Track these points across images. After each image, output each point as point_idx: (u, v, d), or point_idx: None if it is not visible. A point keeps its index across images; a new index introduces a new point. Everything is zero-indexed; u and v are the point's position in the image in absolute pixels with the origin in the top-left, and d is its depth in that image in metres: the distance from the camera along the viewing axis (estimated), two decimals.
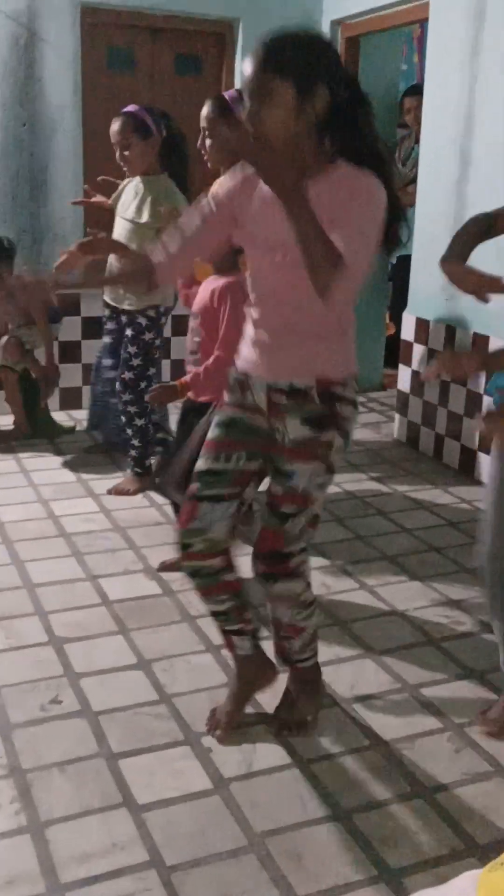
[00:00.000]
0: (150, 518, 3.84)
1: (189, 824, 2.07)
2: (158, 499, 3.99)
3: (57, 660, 2.75)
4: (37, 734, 2.39)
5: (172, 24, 5.22)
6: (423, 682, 2.69)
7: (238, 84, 5.26)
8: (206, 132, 3.25)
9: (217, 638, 2.87)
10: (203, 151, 3.27)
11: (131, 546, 3.59)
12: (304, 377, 2.14)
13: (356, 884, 1.91)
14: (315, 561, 3.39)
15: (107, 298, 4.08)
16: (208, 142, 3.24)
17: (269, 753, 2.34)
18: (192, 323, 3.03)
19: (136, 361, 3.95)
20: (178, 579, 3.27)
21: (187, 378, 3.02)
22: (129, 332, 3.96)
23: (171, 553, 3.45)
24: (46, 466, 4.47)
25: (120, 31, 5.18)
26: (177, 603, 3.13)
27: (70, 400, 5.37)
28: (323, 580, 3.31)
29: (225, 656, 2.77)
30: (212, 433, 2.30)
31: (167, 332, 4.94)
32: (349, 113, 2.02)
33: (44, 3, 4.87)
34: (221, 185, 2.25)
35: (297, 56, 1.94)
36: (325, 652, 2.77)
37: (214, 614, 2.37)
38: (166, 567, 3.36)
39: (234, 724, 2.43)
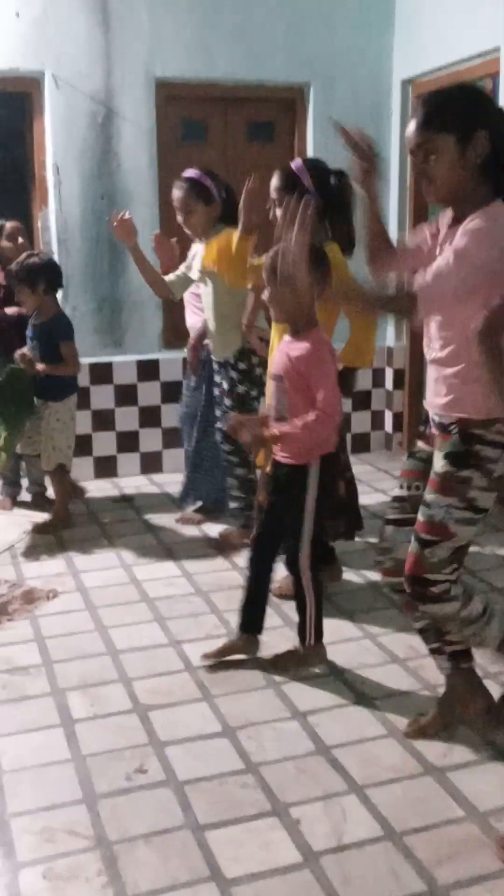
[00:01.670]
0: (232, 581, 3.83)
1: None
2: (240, 562, 3.98)
3: (141, 727, 2.75)
4: (122, 804, 2.38)
5: (244, 93, 5.37)
6: None
7: (310, 149, 5.38)
8: (276, 203, 3.33)
9: (303, 704, 2.84)
10: (273, 220, 3.33)
11: (213, 610, 3.58)
12: (447, 414, 2.32)
13: None
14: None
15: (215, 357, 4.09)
16: (278, 212, 3.31)
17: (360, 823, 2.28)
18: (274, 387, 3.00)
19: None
20: (264, 643, 3.23)
21: (286, 428, 2.87)
22: (223, 383, 4.02)
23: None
24: (129, 531, 4.52)
25: (193, 102, 5.35)
26: (260, 668, 3.10)
27: (105, 468, 5.39)
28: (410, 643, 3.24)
29: (312, 723, 2.74)
30: (404, 463, 2.55)
31: None
32: None
33: (120, 80, 5.07)
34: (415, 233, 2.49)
35: (455, 108, 2.19)
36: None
37: (417, 630, 2.64)
38: (211, 655, 3.15)
39: (431, 730, 2.63)
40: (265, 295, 2.89)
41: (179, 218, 3.98)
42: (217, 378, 4.09)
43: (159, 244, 4.39)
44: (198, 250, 4.05)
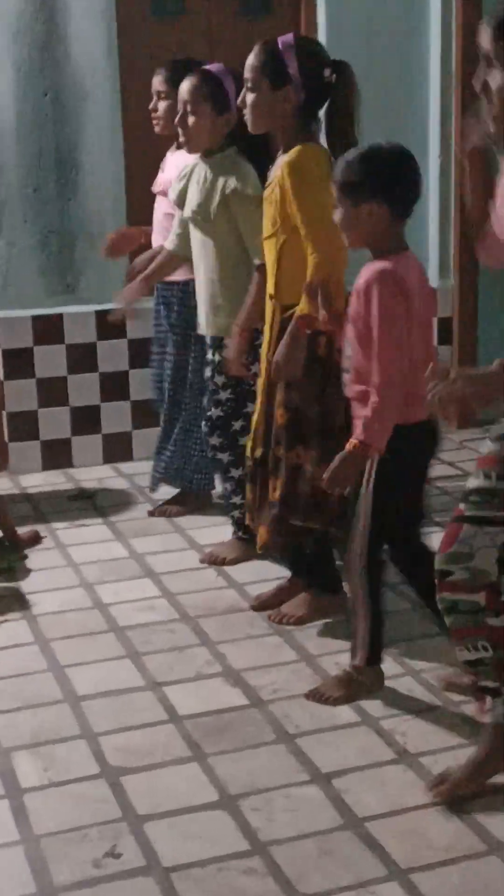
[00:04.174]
0: (228, 603, 3.84)
1: None
2: (238, 577, 3.99)
3: (112, 798, 2.75)
4: None
5: None
6: None
7: (322, 31, 5.34)
8: (249, 86, 3.35)
9: (326, 763, 2.85)
10: (244, 111, 3.39)
11: (204, 642, 3.59)
12: None
13: None
14: None
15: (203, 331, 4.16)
16: (250, 98, 3.36)
17: None
18: (347, 334, 3.06)
19: (225, 395, 4.00)
20: (270, 684, 3.26)
21: (357, 434, 2.96)
22: (215, 357, 4.03)
23: (257, 650, 3.45)
24: (90, 538, 4.53)
25: None
26: (269, 717, 3.11)
27: (57, 456, 5.42)
28: None
29: (338, 789, 2.75)
30: (485, 447, 2.60)
31: None
32: None
33: None
34: None
35: None
36: None
37: (466, 664, 2.65)
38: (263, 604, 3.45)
39: (460, 793, 2.64)
40: (336, 216, 2.98)
41: (179, 115, 3.96)
42: (208, 354, 4.09)
43: (119, 243, 4.56)
44: (191, 181, 4.02)
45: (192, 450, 4.55)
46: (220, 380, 4.02)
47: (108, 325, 5.12)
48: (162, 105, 4.39)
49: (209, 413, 4.08)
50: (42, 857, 2.53)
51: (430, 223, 5.68)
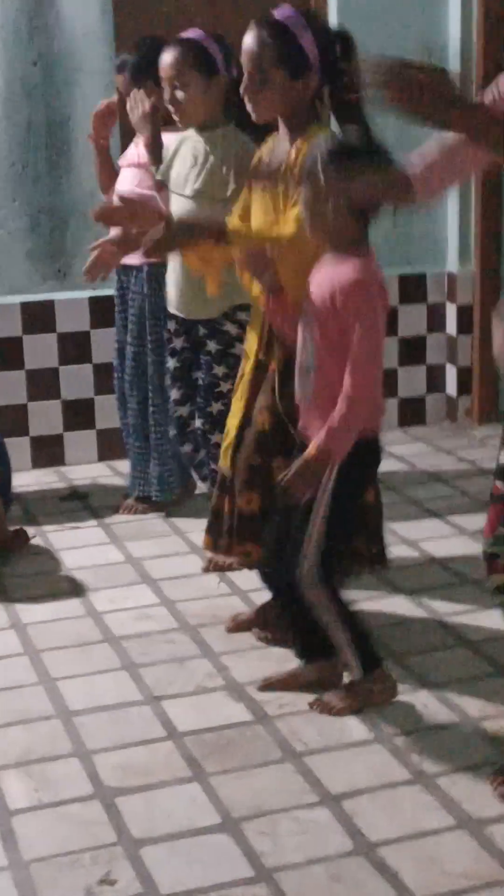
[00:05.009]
0: (231, 612, 3.84)
1: None
2: (242, 584, 4.01)
3: (106, 820, 2.76)
4: None
5: None
6: None
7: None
8: (259, 77, 3.27)
9: (336, 783, 2.86)
10: (246, 98, 3.34)
11: (206, 653, 3.60)
12: None
13: None
14: None
15: (172, 309, 4.17)
16: (260, 91, 3.28)
17: None
18: (302, 330, 3.07)
19: (226, 386, 3.99)
20: (275, 698, 3.27)
21: (321, 441, 2.97)
22: (212, 345, 4.03)
23: (262, 663, 3.46)
24: (83, 541, 4.54)
25: None
26: (275, 734, 3.12)
27: (48, 453, 5.44)
28: None
29: (349, 811, 2.76)
30: None
31: None
32: None
33: None
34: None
35: None
36: None
37: None
38: (272, 684, 3.34)
39: None
40: (302, 208, 2.97)
41: (166, 95, 3.97)
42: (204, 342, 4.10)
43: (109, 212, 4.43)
44: (181, 151, 4.03)
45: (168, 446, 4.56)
46: (220, 370, 4.01)
47: (103, 313, 5.14)
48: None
49: (208, 409, 4.06)
50: (32, 885, 2.54)
51: (448, 206, 5.68)
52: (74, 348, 5.35)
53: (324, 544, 3.07)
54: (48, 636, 3.75)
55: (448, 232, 5.73)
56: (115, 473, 5.29)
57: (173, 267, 4.08)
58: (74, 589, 4.12)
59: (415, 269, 5.76)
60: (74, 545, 4.50)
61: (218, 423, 4.00)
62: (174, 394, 4.30)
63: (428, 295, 5.79)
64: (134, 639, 3.71)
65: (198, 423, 4.13)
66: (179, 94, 3.93)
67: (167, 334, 4.29)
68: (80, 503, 4.96)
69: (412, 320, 5.73)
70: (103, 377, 5.36)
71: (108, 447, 5.46)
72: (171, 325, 4.23)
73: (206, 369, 4.07)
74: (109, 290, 4.82)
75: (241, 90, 3.36)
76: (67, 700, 3.34)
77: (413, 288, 5.75)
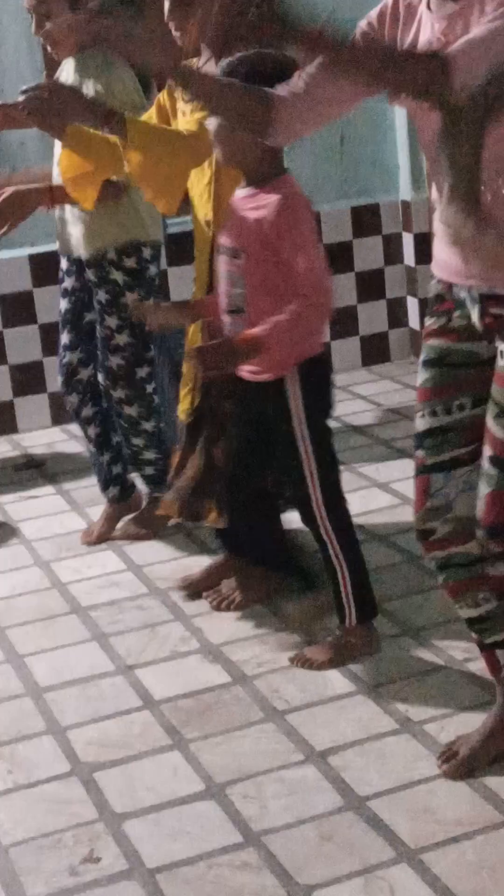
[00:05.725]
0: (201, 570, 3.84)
1: None
2: (211, 542, 3.99)
3: (86, 797, 2.76)
4: None
5: None
6: None
7: None
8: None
9: (321, 739, 2.86)
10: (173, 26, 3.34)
11: (178, 617, 3.60)
12: None
13: None
14: None
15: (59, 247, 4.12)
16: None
17: None
18: (226, 265, 3.06)
19: (122, 339, 3.94)
20: (253, 657, 3.27)
21: (259, 330, 2.90)
22: (101, 295, 3.94)
23: (236, 622, 3.47)
24: (42, 511, 4.52)
25: None
26: (254, 694, 3.13)
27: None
28: None
29: (337, 766, 2.76)
30: (421, 378, 2.60)
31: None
32: None
33: None
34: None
35: None
36: None
37: (470, 622, 2.67)
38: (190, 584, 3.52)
39: (473, 764, 2.65)
40: (210, 124, 2.93)
41: (34, 26, 3.89)
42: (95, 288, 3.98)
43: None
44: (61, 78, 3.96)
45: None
46: (113, 322, 3.92)
47: (46, 271, 5.09)
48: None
49: (107, 364, 3.98)
50: (12, 870, 2.54)
51: (397, 132, 5.64)
52: (18, 310, 5.31)
53: (321, 476, 3.11)
54: (12, 612, 3.73)
55: (399, 159, 5.68)
56: (70, 437, 5.26)
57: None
58: (36, 560, 4.10)
59: (367, 199, 5.73)
60: (33, 515, 4.49)
61: (119, 378, 3.96)
62: (64, 337, 4.18)
63: (382, 226, 5.76)
64: (102, 608, 3.70)
65: (100, 377, 4.05)
66: (48, 24, 3.85)
67: (60, 273, 4.21)
68: (37, 471, 4.94)
69: (368, 253, 5.70)
70: (51, 338, 5.31)
71: (62, 411, 5.41)
72: (64, 264, 4.16)
73: (100, 320, 3.99)
74: (51, 246, 4.76)
75: (166, 17, 3.36)
76: (37, 676, 3.33)
77: (367, 219, 5.72)
